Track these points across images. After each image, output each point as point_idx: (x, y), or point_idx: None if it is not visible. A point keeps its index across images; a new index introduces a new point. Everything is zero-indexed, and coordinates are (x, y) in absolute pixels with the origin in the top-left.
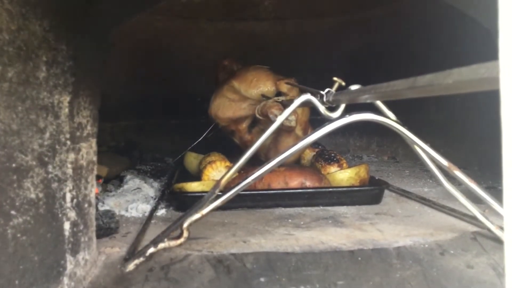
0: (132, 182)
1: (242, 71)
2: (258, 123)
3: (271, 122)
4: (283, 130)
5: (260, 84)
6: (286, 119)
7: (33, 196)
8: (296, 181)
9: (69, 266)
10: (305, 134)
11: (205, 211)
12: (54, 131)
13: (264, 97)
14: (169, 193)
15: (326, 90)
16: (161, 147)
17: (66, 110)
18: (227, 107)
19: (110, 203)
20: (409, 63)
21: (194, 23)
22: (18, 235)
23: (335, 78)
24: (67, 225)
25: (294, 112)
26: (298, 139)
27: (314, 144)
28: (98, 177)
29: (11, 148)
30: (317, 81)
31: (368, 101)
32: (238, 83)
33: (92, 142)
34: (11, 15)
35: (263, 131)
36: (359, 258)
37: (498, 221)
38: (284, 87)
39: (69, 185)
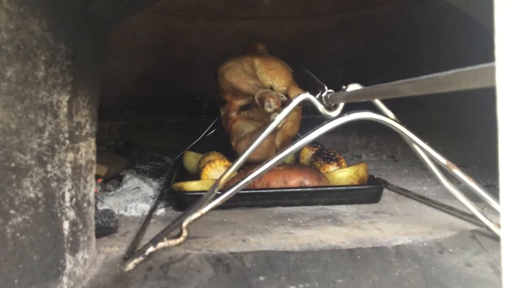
0: (131, 181)
1: (269, 57)
2: (250, 110)
3: (263, 111)
4: (266, 127)
5: (275, 77)
6: (274, 117)
7: (32, 195)
8: (295, 180)
9: (69, 265)
10: (281, 147)
11: (204, 210)
12: (53, 130)
13: (271, 89)
14: (168, 193)
15: (329, 90)
16: (160, 147)
17: (65, 109)
18: (236, 73)
19: (109, 203)
20: (408, 62)
21: (192, 22)
22: (17, 234)
23: (344, 87)
24: (66, 225)
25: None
26: (273, 146)
27: (313, 143)
28: (97, 177)
29: (10, 147)
30: (311, 80)
31: (366, 100)
32: (259, 63)
33: (91, 141)
34: (9, 14)
35: (251, 118)
36: (358, 257)
37: (497, 219)
38: (293, 93)
39: (68, 184)
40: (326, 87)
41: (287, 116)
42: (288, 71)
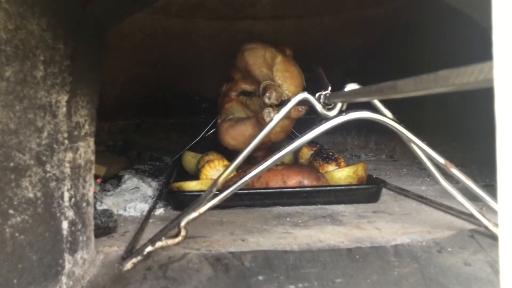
0: (130, 181)
1: (292, 61)
2: (250, 97)
3: (259, 103)
4: (254, 119)
5: (287, 80)
6: (268, 113)
7: (31, 195)
8: (294, 180)
9: (68, 265)
10: (260, 150)
11: (202, 209)
12: (52, 130)
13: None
14: (167, 192)
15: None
16: (159, 147)
17: (64, 109)
18: (256, 55)
19: (108, 203)
20: (408, 62)
21: (191, 22)
22: (16, 234)
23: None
24: (65, 224)
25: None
26: (252, 139)
27: (312, 143)
28: (96, 177)
29: (9, 147)
30: (314, 80)
31: (365, 100)
32: (280, 60)
33: (90, 141)
34: (8, 14)
35: (246, 106)
36: (357, 256)
37: (495, 218)
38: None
39: (67, 184)
40: (330, 87)
41: (285, 116)
42: (301, 81)
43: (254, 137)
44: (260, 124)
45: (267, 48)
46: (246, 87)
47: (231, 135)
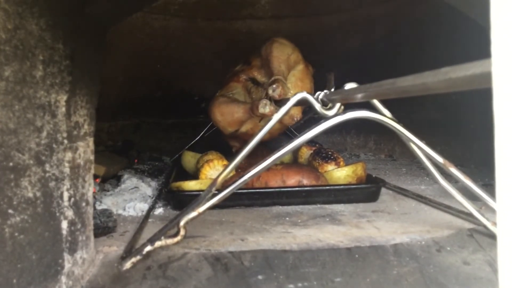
0: (130, 181)
1: (310, 76)
2: (256, 86)
3: (261, 95)
4: (249, 106)
5: (297, 89)
6: (264, 105)
7: (30, 195)
8: (293, 179)
9: (67, 265)
10: (236, 140)
11: (201, 209)
12: (51, 130)
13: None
14: (166, 192)
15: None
16: (158, 147)
17: (63, 109)
18: (282, 51)
19: (108, 202)
20: (407, 62)
21: (191, 22)
22: (16, 234)
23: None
24: (64, 224)
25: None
26: (241, 124)
27: (311, 143)
28: (95, 177)
29: (8, 147)
30: (313, 79)
31: (364, 99)
32: (301, 68)
33: (89, 141)
34: (7, 14)
35: (248, 92)
36: (356, 255)
37: (494, 217)
38: (292, 109)
39: (67, 184)
40: (333, 89)
41: (285, 114)
42: (312, 85)
43: (243, 122)
44: (253, 112)
45: (295, 51)
46: (258, 76)
47: (221, 111)
